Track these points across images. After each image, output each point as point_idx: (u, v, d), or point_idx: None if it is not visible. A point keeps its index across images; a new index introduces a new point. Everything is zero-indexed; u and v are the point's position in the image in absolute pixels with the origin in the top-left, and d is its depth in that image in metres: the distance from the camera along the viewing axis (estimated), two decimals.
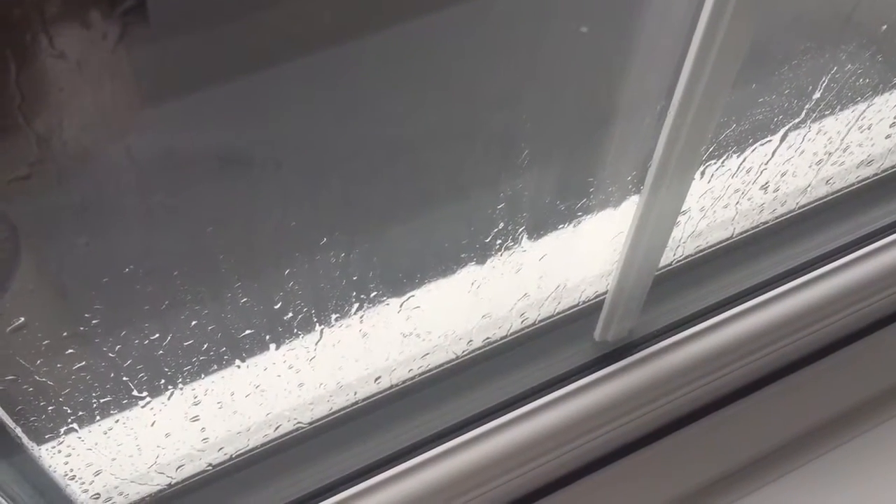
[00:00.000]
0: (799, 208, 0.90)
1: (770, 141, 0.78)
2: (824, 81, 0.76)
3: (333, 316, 0.68)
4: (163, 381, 0.64)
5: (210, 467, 0.72)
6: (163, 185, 0.53)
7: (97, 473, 0.67)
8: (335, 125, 0.59)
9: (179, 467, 0.71)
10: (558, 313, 0.82)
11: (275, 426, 0.73)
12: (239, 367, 0.67)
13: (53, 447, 0.63)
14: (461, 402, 0.78)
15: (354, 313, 0.69)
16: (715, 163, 0.75)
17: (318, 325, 0.67)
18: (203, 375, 0.66)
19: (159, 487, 0.71)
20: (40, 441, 0.62)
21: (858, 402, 0.94)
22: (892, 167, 0.95)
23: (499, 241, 0.71)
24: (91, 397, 0.61)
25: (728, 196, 0.81)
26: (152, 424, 0.66)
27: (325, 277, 0.65)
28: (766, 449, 0.90)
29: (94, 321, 0.56)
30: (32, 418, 0.60)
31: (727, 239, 0.88)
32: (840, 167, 0.90)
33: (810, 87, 0.76)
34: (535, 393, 0.79)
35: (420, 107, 0.62)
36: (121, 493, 0.69)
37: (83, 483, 0.67)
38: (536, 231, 0.73)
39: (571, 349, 0.81)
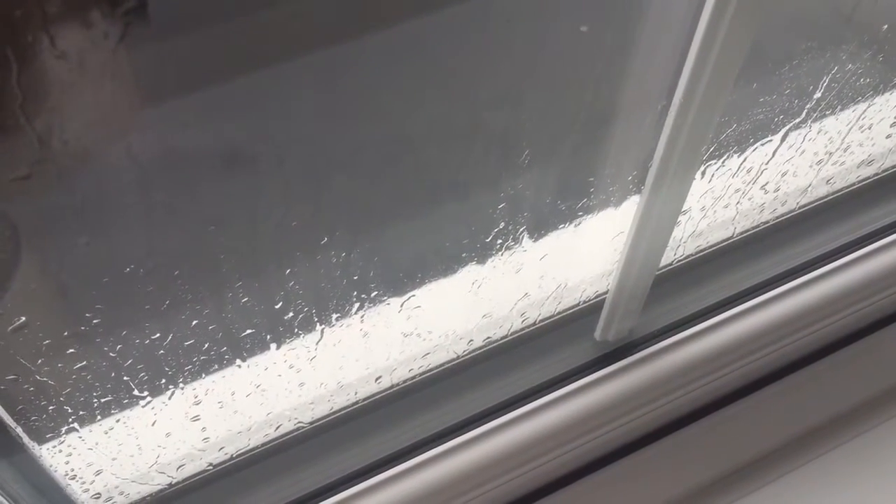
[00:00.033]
0: (799, 208, 0.90)
1: (771, 141, 0.78)
2: (825, 81, 0.76)
3: (334, 315, 0.68)
4: (163, 380, 0.64)
5: (211, 467, 0.72)
6: (163, 184, 0.53)
7: (98, 473, 0.67)
8: (336, 125, 0.59)
9: (180, 467, 0.71)
10: (559, 313, 0.82)
11: (275, 426, 0.73)
12: (240, 366, 0.67)
13: (54, 447, 0.63)
14: (462, 402, 0.78)
15: (355, 313, 0.69)
16: (716, 162, 0.75)
17: (318, 324, 0.67)
18: (204, 375, 0.66)
19: (160, 487, 0.71)
20: (41, 440, 0.62)
21: (858, 402, 0.94)
22: (893, 167, 0.95)
23: (499, 241, 0.71)
24: (92, 397, 0.61)
25: (729, 196, 0.81)
26: (153, 424, 0.66)
27: (325, 277, 0.65)
28: (766, 449, 0.91)
29: (94, 321, 0.56)
30: (33, 418, 0.60)
31: (728, 239, 0.88)
32: (841, 167, 0.90)
33: (811, 87, 0.76)
34: (535, 392, 0.79)
35: (421, 106, 0.62)
36: (121, 493, 0.69)
37: (84, 482, 0.67)
38: (537, 231, 0.73)
39: (572, 349, 0.81)
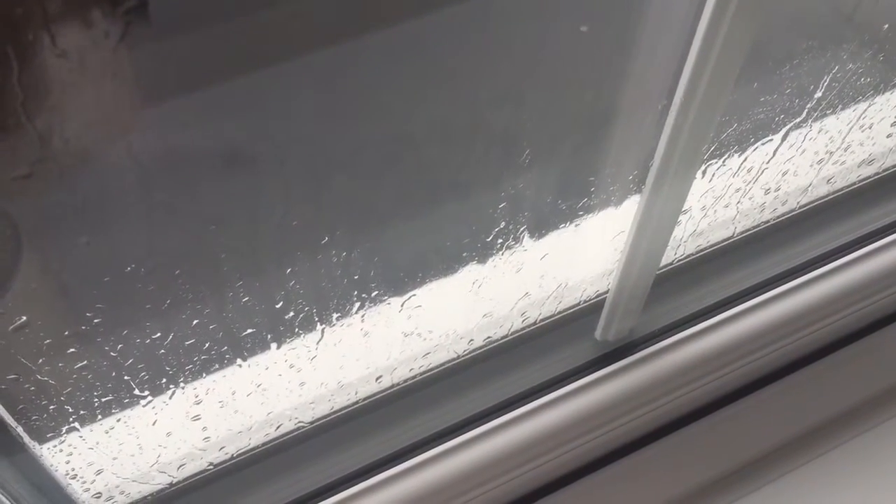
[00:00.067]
0: (800, 207, 0.90)
1: (771, 140, 0.78)
2: (826, 80, 0.76)
3: (335, 315, 0.68)
4: (164, 380, 0.64)
5: (211, 466, 0.72)
6: (164, 183, 0.53)
7: (98, 472, 0.67)
8: (336, 124, 0.59)
9: (181, 466, 0.71)
10: (559, 312, 0.82)
11: (276, 425, 0.73)
12: (240, 366, 0.67)
13: (55, 446, 0.63)
14: (462, 402, 0.78)
15: (356, 312, 0.69)
16: (716, 162, 0.75)
17: (319, 324, 0.67)
18: (204, 374, 0.66)
19: (160, 486, 0.71)
20: (42, 440, 0.62)
21: (858, 402, 0.94)
22: (893, 166, 0.95)
23: (500, 241, 0.71)
24: (92, 396, 0.61)
25: (729, 195, 0.81)
26: (154, 423, 0.66)
27: (326, 276, 0.65)
28: (766, 449, 0.91)
29: (95, 320, 0.56)
30: (34, 417, 0.60)
31: (728, 238, 0.88)
32: (841, 166, 0.90)
33: (812, 87, 0.76)
34: (535, 392, 0.79)
35: (421, 106, 0.62)
36: (122, 492, 0.69)
37: (84, 482, 0.67)
38: (538, 230, 0.73)
39: (572, 348, 0.81)
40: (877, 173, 0.94)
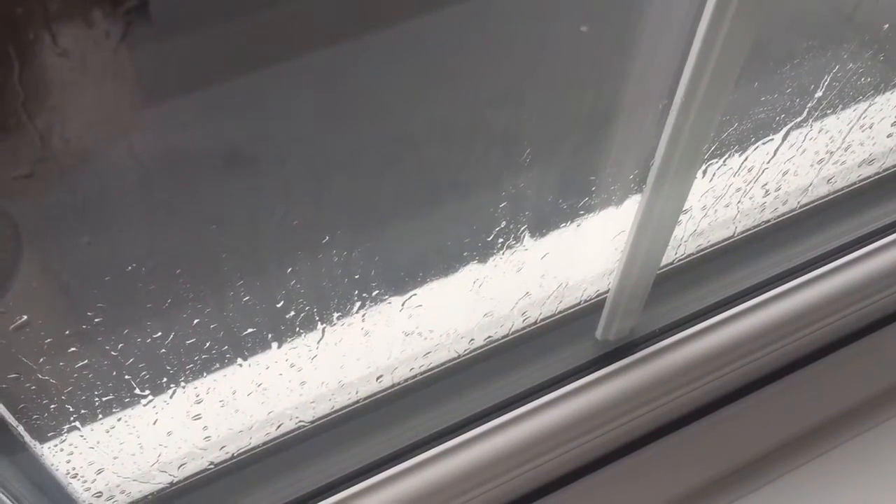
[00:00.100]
0: (800, 207, 0.90)
1: (772, 140, 0.78)
2: (826, 80, 0.76)
3: (335, 314, 0.68)
4: (165, 379, 0.64)
5: (212, 466, 0.72)
6: (165, 183, 0.53)
7: (99, 472, 0.67)
8: (337, 124, 0.59)
9: (181, 465, 0.71)
10: (560, 312, 0.82)
11: (276, 425, 0.73)
12: (241, 365, 0.67)
13: (56, 445, 0.63)
14: (462, 401, 0.78)
15: (356, 312, 0.69)
16: (717, 161, 0.75)
17: (320, 323, 0.67)
18: (205, 374, 0.66)
19: (161, 486, 0.71)
20: (42, 439, 0.62)
21: (858, 402, 0.94)
22: (894, 166, 0.95)
23: (501, 240, 0.71)
24: (93, 395, 0.61)
25: (730, 195, 0.81)
26: (154, 423, 0.66)
27: (327, 276, 0.65)
28: (767, 448, 0.91)
29: (96, 319, 0.56)
30: (35, 416, 0.60)
31: (729, 238, 0.88)
32: (841, 166, 0.90)
33: (812, 86, 0.76)
34: (536, 392, 0.79)
35: (422, 105, 0.62)
36: (123, 492, 0.69)
37: (85, 481, 0.67)
38: (538, 230, 0.73)
39: (573, 348, 0.81)
40: (877, 173, 0.94)
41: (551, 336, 0.82)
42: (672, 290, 0.84)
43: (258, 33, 0.51)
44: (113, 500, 0.70)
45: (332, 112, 0.58)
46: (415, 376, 0.78)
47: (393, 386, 0.77)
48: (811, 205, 0.91)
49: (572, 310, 0.82)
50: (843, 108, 0.81)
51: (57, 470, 0.64)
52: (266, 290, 0.63)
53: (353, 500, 0.73)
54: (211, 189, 0.57)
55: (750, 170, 0.79)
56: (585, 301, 0.82)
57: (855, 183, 0.93)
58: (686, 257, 0.86)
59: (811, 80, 0.75)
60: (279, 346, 0.67)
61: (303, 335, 0.67)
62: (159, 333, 0.60)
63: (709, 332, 0.84)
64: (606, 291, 0.80)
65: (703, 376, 0.84)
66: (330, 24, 0.54)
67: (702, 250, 0.87)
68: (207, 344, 0.63)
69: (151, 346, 0.61)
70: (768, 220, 0.89)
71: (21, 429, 0.60)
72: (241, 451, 0.73)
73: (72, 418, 0.62)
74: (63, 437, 0.63)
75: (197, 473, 0.72)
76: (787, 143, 0.79)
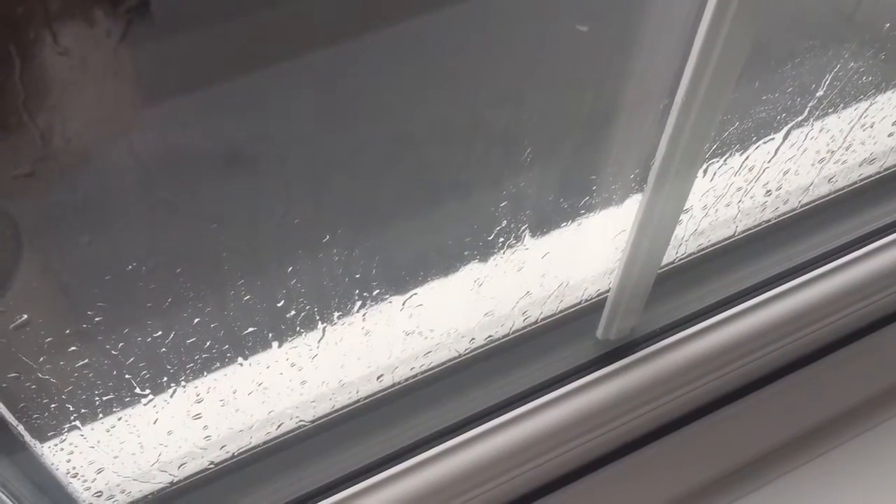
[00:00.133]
0: (801, 207, 0.90)
1: (773, 139, 0.78)
2: (827, 79, 0.76)
3: (336, 314, 0.68)
4: (165, 378, 0.64)
5: (212, 465, 0.72)
6: (165, 182, 0.53)
7: (99, 471, 0.67)
8: (338, 123, 0.59)
9: (182, 465, 0.71)
10: (560, 311, 0.82)
11: (277, 424, 0.73)
12: (241, 364, 0.67)
13: (56, 445, 0.63)
14: (463, 401, 0.78)
15: (357, 311, 0.69)
16: (717, 161, 0.75)
17: (320, 322, 0.67)
18: (205, 373, 0.66)
19: (161, 485, 0.71)
20: (43, 438, 0.62)
21: (858, 402, 0.94)
22: (895, 166, 0.95)
23: (501, 239, 0.71)
24: (93, 395, 0.61)
25: (730, 194, 0.81)
26: (155, 422, 0.66)
27: (327, 275, 0.65)
28: (767, 448, 0.90)
29: (96, 318, 0.56)
30: (35, 416, 0.60)
31: (730, 237, 0.88)
32: (842, 165, 0.90)
33: (813, 85, 0.76)
34: (536, 391, 0.79)
35: (423, 105, 0.62)
36: (123, 491, 0.69)
37: (85, 481, 0.67)
38: (539, 229, 0.72)
39: (573, 347, 0.81)
40: (878, 172, 0.94)
41: (552, 335, 0.82)
42: (673, 290, 0.84)
43: (258, 33, 0.51)
44: (113, 500, 0.70)
45: (332, 112, 0.58)
46: (415, 376, 0.78)
47: (393, 385, 0.77)
48: (812, 204, 0.91)
49: (573, 309, 0.82)
50: (844, 108, 0.81)
51: (57, 469, 0.64)
52: (267, 289, 0.63)
53: (353, 500, 0.73)
54: (211, 188, 0.57)
55: (751, 169, 0.79)
56: (586, 300, 0.82)
57: (856, 182, 0.93)
58: (687, 257, 0.86)
59: (812, 79, 0.75)
60: (280, 346, 0.67)
61: (303, 334, 0.67)
62: (160, 332, 0.60)
63: (709, 332, 0.84)
64: (607, 291, 0.80)
65: (703, 376, 0.84)
66: (330, 24, 0.54)
67: (702, 250, 0.87)
68: (208, 343, 0.63)
69: (152, 345, 0.60)
70: (769, 220, 0.89)
71: (21, 428, 0.60)
72: (241, 450, 0.73)
73: (72, 417, 0.62)
74: (63, 437, 0.63)
75: (197, 473, 0.72)
76: (788, 142, 0.79)
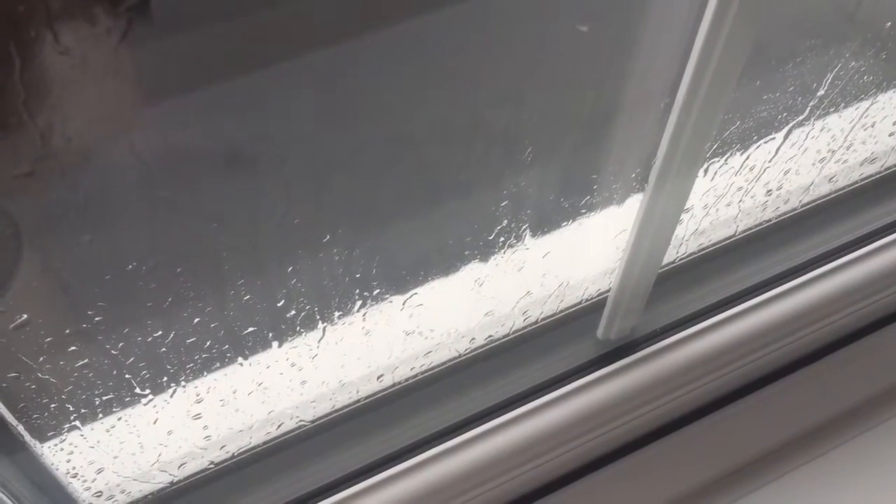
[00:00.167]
0: (802, 206, 0.90)
1: (774, 138, 0.78)
2: (828, 79, 0.76)
3: (336, 313, 0.68)
4: (165, 378, 0.64)
5: (212, 465, 0.72)
6: (165, 182, 0.53)
7: (99, 471, 0.67)
8: (338, 123, 0.59)
9: (182, 465, 0.71)
10: (561, 311, 0.82)
11: (277, 424, 0.73)
12: (241, 364, 0.67)
13: (56, 444, 0.63)
14: (463, 401, 0.78)
15: (357, 311, 0.69)
16: (718, 160, 0.75)
17: (320, 322, 0.67)
18: (205, 373, 0.66)
19: (161, 485, 0.71)
20: (43, 438, 0.62)
21: (858, 402, 0.94)
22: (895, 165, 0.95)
23: (502, 239, 0.71)
24: (93, 395, 0.61)
25: (731, 194, 0.81)
26: (155, 422, 0.66)
27: (328, 275, 0.65)
28: (767, 448, 0.90)
29: (96, 318, 0.56)
30: (35, 416, 0.60)
31: (730, 237, 0.88)
32: (843, 165, 0.90)
33: (814, 85, 0.76)
34: (537, 391, 0.79)
35: (423, 104, 0.62)
36: (123, 491, 0.69)
37: (85, 481, 0.67)
38: (540, 228, 0.72)
39: (574, 347, 0.81)
40: (879, 172, 0.94)
41: (552, 335, 0.82)
42: (673, 290, 0.84)
43: (258, 33, 0.51)
44: (113, 500, 0.70)
45: (332, 112, 0.58)
46: (415, 375, 0.78)
47: (394, 385, 0.77)
48: (813, 204, 0.91)
49: (573, 309, 0.82)
50: (845, 107, 0.81)
51: (57, 469, 0.64)
52: (267, 288, 0.63)
53: (353, 500, 0.73)
54: (211, 188, 0.57)
55: (752, 168, 0.79)
56: (586, 300, 0.82)
57: (857, 182, 0.93)
58: (687, 256, 0.86)
59: (813, 78, 0.75)
60: (280, 345, 0.67)
61: (303, 334, 0.67)
62: (160, 332, 0.60)
63: (710, 332, 0.83)
64: (608, 290, 0.80)
65: (703, 376, 0.84)
66: (330, 24, 0.54)
67: (703, 249, 0.87)
68: (208, 343, 0.63)
69: (152, 344, 0.60)
70: (770, 219, 0.89)
71: (21, 428, 0.60)
72: (241, 450, 0.73)
73: (72, 417, 0.62)
74: (63, 437, 0.63)
75: (197, 473, 0.72)
76: (788, 141, 0.79)
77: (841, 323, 0.91)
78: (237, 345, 0.65)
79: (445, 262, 0.71)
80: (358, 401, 0.76)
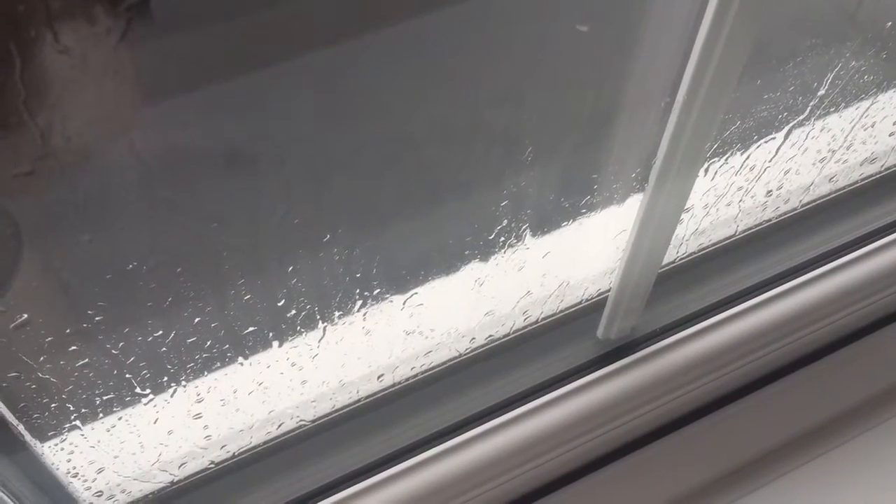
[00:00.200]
0: (802, 206, 0.90)
1: (774, 138, 0.78)
2: (829, 78, 0.76)
3: (337, 313, 0.68)
4: (166, 378, 0.64)
5: (213, 465, 0.72)
6: (165, 181, 0.53)
7: (100, 471, 0.67)
8: (338, 123, 0.59)
9: (182, 465, 0.71)
10: (561, 311, 0.82)
11: (277, 424, 0.73)
12: (242, 364, 0.67)
13: (56, 444, 0.63)
14: (463, 400, 0.78)
15: (357, 310, 0.69)
16: (719, 160, 0.75)
17: (321, 322, 0.67)
18: (206, 372, 0.66)
19: (162, 485, 0.71)
20: (43, 438, 0.62)
21: (858, 402, 0.94)
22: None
23: (502, 239, 0.71)
24: (94, 394, 0.61)
25: (731, 193, 0.81)
26: (155, 422, 0.66)
27: (328, 274, 0.65)
28: (767, 448, 0.90)
29: (97, 318, 0.56)
30: (35, 415, 0.60)
31: (730, 237, 0.88)
32: (843, 165, 0.90)
33: (815, 84, 0.76)
34: (537, 391, 0.79)
35: (423, 104, 0.62)
36: (123, 491, 0.69)
37: (86, 480, 0.67)
38: (540, 228, 0.72)
39: (574, 347, 0.81)
40: (879, 172, 0.94)
41: (552, 335, 0.82)
42: (673, 289, 0.84)
43: (258, 33, 0.51)
44: (113, 500, 0.70)
45: (332, 112, 0.58)
46: (416, 375, 0.78)
47: (394, 385, 0.77)
48: (813, 203, 0.91)
49: (573, 309, 0.82)
50: (845, 107, 0.81)
51: (57, 469, 0.64)
52: (267, 288, 0.63)
53: (353, 500, 0.73)
54: (212, 187, 0.57)
55: (752, 168, 0.79)
56: (587, 300, 0.82)
57: (857, 182, 0.93)
58: (687, 256, 0.86)
59: (814, 78, 0.75)
60: (280, 345, 0.67)
61: (304, 334, 0.67)
62: (160, 332, 0.60)
63: (710, 332, 0.83)
64: (608, 290, 0.80)
65: (703, 376, 0.84)
66: (330, 24, 0.54)
67: (703, 249, 0.87)
68: (208, 342, 0.63)
69: (152, 344, 0.60)
70: (770, 219, 0.89)
71: (21, 428, 0.60)
72: (241, 450, 0.73)
73: (72, 417, 0.62)
74: (64, 436, 0.63)
75: (197, 472, 0.72)
76: (789, 141, 0.79)
77: (841, 323, 0.91)
78: (238, 344, 0.65)
79: (446, 261, 0.71)
80: (358, 400, 0.76)
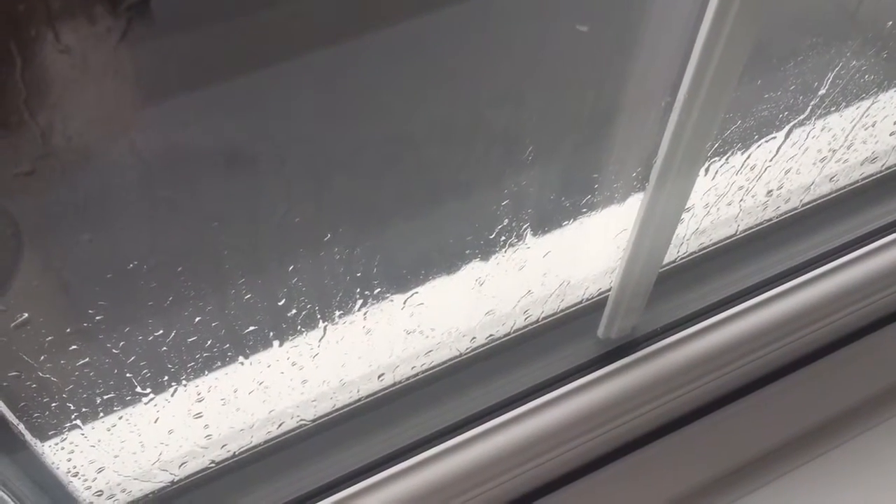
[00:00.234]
0: (802, 206, 0.90)
1: (775, 137, 0.78)
2: (829, 78, 0.76)
3: (337, 313, 0.68)
4: (166, 377, 0.64)
5: (213, 464, 0.72)
6: (166, 181, 0.53)
7: (100, 470, 0.67)
8: (339, 122, 0.59)
9: (182, 464, 0.71)
10: (562, 310, 0.82)
11: (278, 423, 0.73)
12: (242, 363, 0.67)
13: (56, 444, 0.63)
14: (464, 400, 0.78)
15: (358, 310, 0.69)
16: (719, 159, 0.75)
17: (321, 321, 0.67)
18: (206, 372, 0.66)
19: (162, 484, 0.71)
20: (43, 438, 0.62)
21: (858, 402, 0.94)
22: None
23: (503, 238, 0.71)
24: (94, 394, 0.61)
25: (732, 193, 0.81)
26: (155, 421, 0.66)
27: (328, 274, 0.65)
28: (768, 447, 0.90)
29: (97, 317, 0.56)
30: (35, 415, 0.60)
31: (731, 236, 0.88)
32: (844, 164, 0.90)
33: (815, 84, 0.76)
34: (537, 390, 0.79)
35: (424, 104, 0.62)
36: (123, 490, 0.69)
37: (86, 480, 0.67)
38: (540, 228, 0.72)
39: (574, 346, 0.81)
40: (879, 171, 0.94)
41: (553, 334, 0.82)
42: (674, 289, 0.84)
43: (258, 33, 0.51)
44: (114, 499, 0.70)
45: (332, 112, 0.58)
46: (416, 375, 0.78)
47: (394, 384, 0.77)
48: (813, 203, 0.91)
49: (574, 308, 0.82)
50: (846, 106, 0.81)
51: (58, 468, 0.64)
52: (268, 287, 0.63)
53: (354, 499, 0.73)
54: (212, 187, 0.57)
55: (752, 168, 0.79)
56: (587, 299, 0.82)
57: (857, 181, 0.93)
58: (688, 255, 0.86)
59: (814, 77, 0.75)
60: (281, 345, 0.67)
61: (304, 333, 0.67)
62: (160, 331, 0.60)
63: (710, 331, 0.83)
64: (608, 290, 0.80)
65: (704, 375, 0.84)
66: (330, 24, 0.54)
67: (704, 248, 0.87)
68: (209, 342, 0.63)
69: (153, 343, 0.60)
70: (770, 219, 0.89)
71: (22, 427, 0.60)
72: (242, 449, 0.73)
73: (73, 416, 0.62)
74: (64, 436, 0.63)
75: (198, 472, 0.72)
76: (789, 140, 0.79)
77: (841, 323, 0.91)
78: (238, 344, 0.65)
79: (446, 261, 0.71)
80: (359, 400, 0.76)
